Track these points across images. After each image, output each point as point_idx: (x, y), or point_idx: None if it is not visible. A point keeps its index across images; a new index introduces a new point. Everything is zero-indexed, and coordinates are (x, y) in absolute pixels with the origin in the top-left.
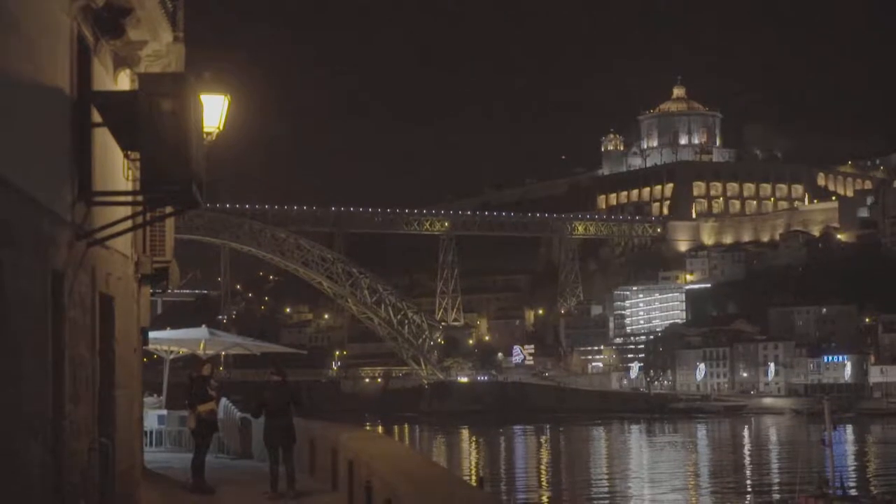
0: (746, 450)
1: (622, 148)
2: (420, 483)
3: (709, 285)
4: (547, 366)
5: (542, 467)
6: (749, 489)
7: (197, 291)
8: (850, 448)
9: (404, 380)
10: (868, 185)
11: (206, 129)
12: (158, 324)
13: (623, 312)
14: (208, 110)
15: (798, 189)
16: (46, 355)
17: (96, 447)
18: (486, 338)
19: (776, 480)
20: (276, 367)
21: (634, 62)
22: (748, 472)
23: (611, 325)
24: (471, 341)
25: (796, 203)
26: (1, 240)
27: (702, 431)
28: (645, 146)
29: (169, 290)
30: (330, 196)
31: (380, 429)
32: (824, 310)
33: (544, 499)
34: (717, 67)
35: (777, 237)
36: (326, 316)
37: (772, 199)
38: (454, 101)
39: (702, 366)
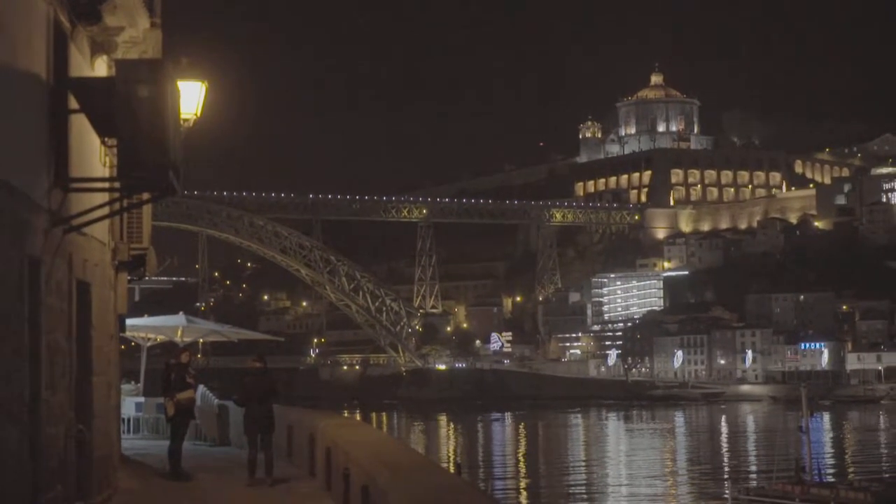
0: (724, 437)
1: (600, 135)
2: (397, 470)
3: (686, 272)
4: (525, 353)
5: (520, 454)
6: (726, 476)
7: (174, 279)
8: (828, 435)
9: (382, 367)
10: (846, 172)
11: (183, 116)
12: (136, 311)
13: (601, 300)
14: (186, 97)
15: (776, 176)
16: (23, 342)
17: (73, 434)
18: (464, 325)
19: (753, 467)
20: (259, 354)
21: (612, 49)
22: (725, 459)
23: (589, 312)
24: (449, 328)
25: (774, 190)
26: None
27: (679, 418)
28: (623, 133)
29: (146, 278)
30: (308, 183)
31: (358, 416)
32: (802, 297)
33: (522, 485)
34: (695, 54)
35: (755, 224)
36: (304, 303)
37: (749, 186)
38: (432, 88)
39: (679, 353)
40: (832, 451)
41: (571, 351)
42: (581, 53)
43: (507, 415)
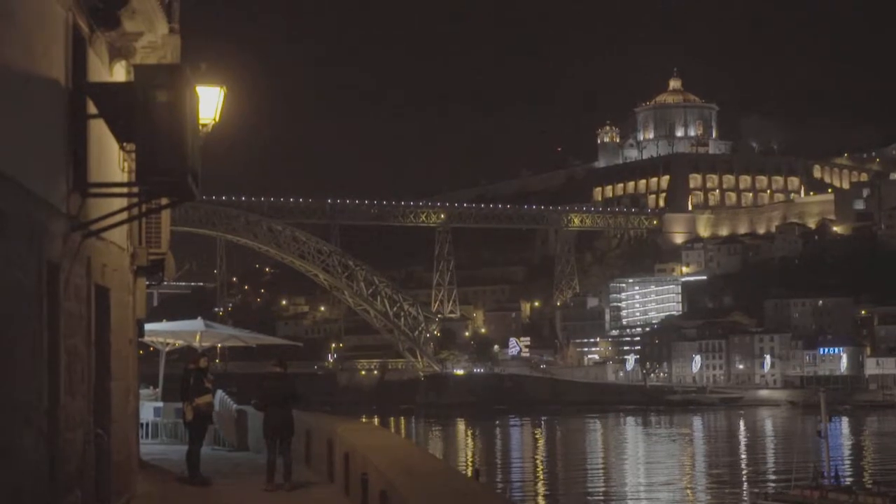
0: (742, 441)
1: (618, 140)
2: (416, 475)
3: (705, 277)
4: (543, 357)
5: (538, 459)
6: (745, 481)
7: (193, 284)
8: (846, 440)
9: (400, 372)
10: (864, 177)
11: (201, 121)
12: (154, 316)
13: (619, 305)
14: (204, 102)
15: (794, 181)
16: (42, 346)
17: (92, 438)
18: (482, 330)
19: (772, 472)
20: (279, 358)
21: (630, 54)
22: (744, 464)
23: (607, 317)
24: (467, 333)
25: (792, 195)
26: None
27: (698, 423)
28: (641, 138)
29: (165, 282)
30: (326, 188)
31: (376, 421)
32: (820, 302)
33: (540, 490)
34: (713, 59)
35: (773, 229)
36: (322, 308)
37: (768, 191)
38: (450, 93)
39: (698, 358)
40: (851, 455)
41: (590, 356)
42: (599, 58)
43: (543, 419)
